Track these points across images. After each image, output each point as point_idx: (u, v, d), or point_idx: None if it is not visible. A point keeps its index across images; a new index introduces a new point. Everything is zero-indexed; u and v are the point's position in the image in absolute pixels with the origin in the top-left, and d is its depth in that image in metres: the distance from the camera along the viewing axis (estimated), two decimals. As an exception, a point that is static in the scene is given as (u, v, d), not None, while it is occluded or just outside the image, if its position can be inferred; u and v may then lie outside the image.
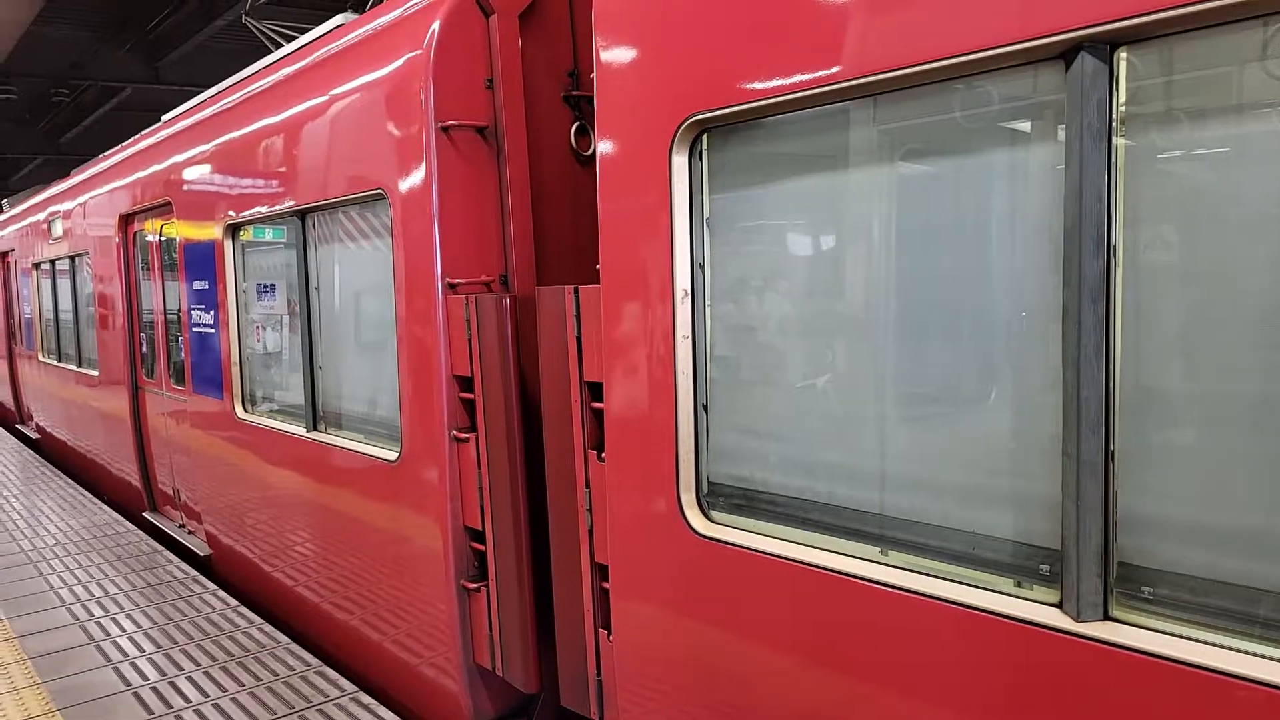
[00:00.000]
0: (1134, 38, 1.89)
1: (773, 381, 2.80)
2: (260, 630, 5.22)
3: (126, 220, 8.11)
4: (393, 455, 4.28)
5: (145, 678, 4.64)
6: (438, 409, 3.94)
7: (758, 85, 2.55)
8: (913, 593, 2.30)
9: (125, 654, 4.95)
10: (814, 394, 2.69)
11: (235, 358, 5.96)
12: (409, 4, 4.25)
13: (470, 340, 3.81)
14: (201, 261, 6.28)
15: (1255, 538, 1.84)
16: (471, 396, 3.87)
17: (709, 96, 2.69)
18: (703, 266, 2.87)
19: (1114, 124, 1.93)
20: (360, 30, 4.63)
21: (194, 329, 6.53)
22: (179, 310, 6.90)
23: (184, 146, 6.63)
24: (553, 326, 3.42)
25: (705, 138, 2.81)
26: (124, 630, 5.30)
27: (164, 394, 7.54)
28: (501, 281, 4.02)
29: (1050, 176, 2.05)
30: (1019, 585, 2.16)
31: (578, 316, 3.28)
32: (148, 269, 7.83)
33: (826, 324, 2.64)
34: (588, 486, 3.32)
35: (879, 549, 2.47)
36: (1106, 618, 1.98)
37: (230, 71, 9.33)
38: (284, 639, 5.07)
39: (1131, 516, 1.98)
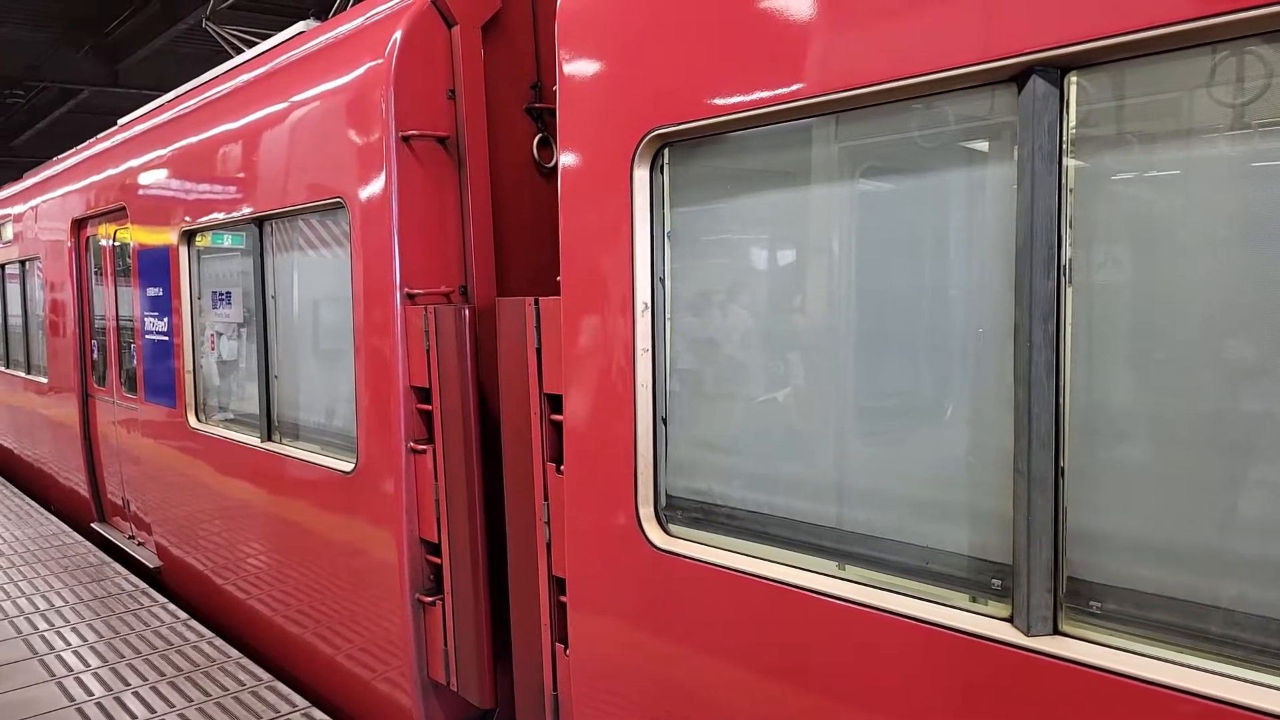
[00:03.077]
0: (1084, 63, 1.93)
1: (732, 395, 2.80)
2: (210, 644, 5.11)
3: (79, 225, 7.95)
4: (349, 466, 4.23)
5: (90, 693, 4.51)
6: (395, 420, 3.90)
7: (718, 101, 2.56)
8: (868, 607, 2.31)
9: (70, 668, 4.82)
10: (773, 408, 2.70)
11: (189, 366, 5.85)
12: (371, 12, 4.22)
13: (428, 351, 3.77)
14: (155, 268, 6.17)
15: (1202, 554, 1.87)
16: (429, 408, 3.83)
17: (670, 111, 2.70)
18: (663, 280, 2.87)
19: (1064, 145, 1.96)
20: (322, 37, 4.59)
21: (147, 336, 6.41)
22: (132, 317, 6.76)
23: (140, 151, 6.52)
24: (512, 338, 3.40)
25: (667, 152, 2.82)
26: (69, 644, 5.17)
27: (115, 402, 7.38)
28: (461, 292, 3.99)
29: (1005, 196, 2.08)
30: (973, 600, 2.18)
31: (538, 328, 3.27)
32: (100, 274, 7.67)
33: (786, 339, 2.65)
34: (546, 499, 3.30)
35: (836, 563, 2.49)
36: (1056, 632, 2.01)
37: (192, 75, 9.18)
38: (234, 653, 4.96)
39: (1081, 532, 2.01)
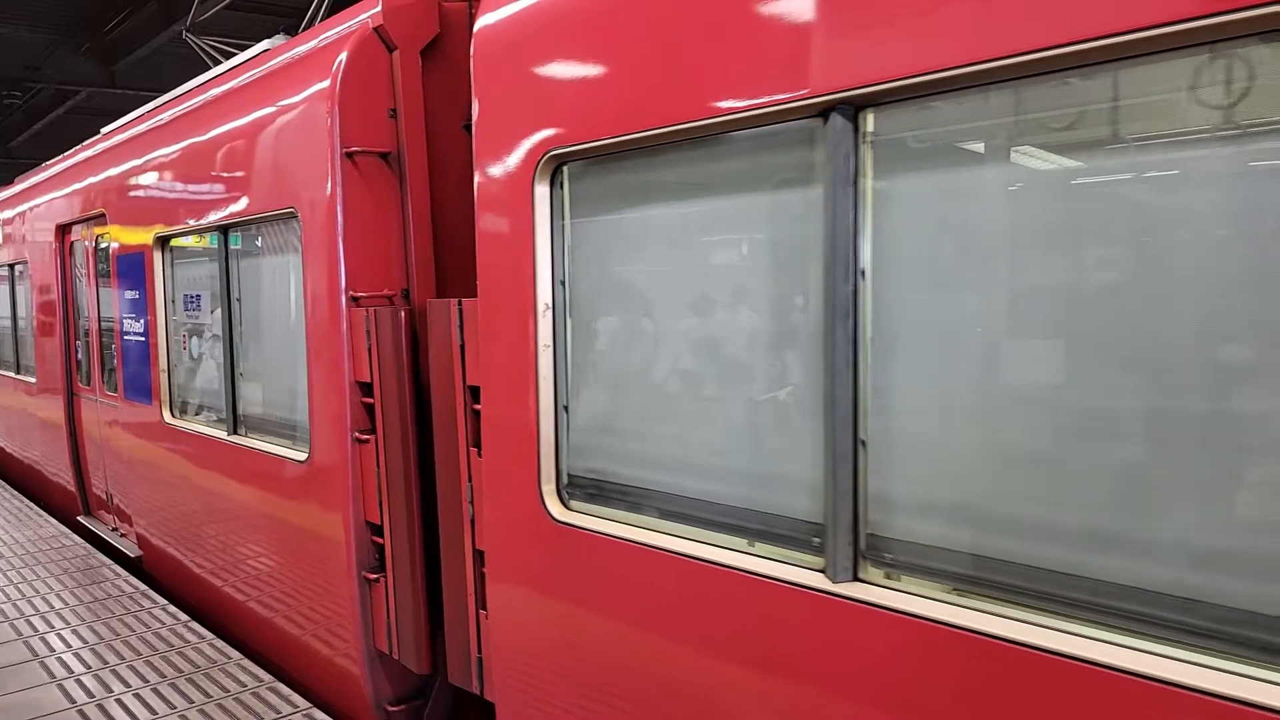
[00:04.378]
0: (874, 102, 2.30)
1: (621, 385, 3.18)
2: (211, 645, 5.18)
3: (64, 230, 8.31)
4: (302, 456, 4.60)
5: (91, 694, 4.53)
6: (341, 412, 4.27)
7: (600, 127, 2.93)
8: (724, 566, 2.68)
9: (70, 670, 4.85)
10: (652, 397, 3.07)
11: (164, 365, 6.22)
12: (321, 37, 4.59)
13: (370, 350, 4.14)
14: (133, 271, 6.53)
15: (972, 512, 2.25)
16: (372, 401, 4.20)
17: (563, 135, 3.07)
18: (563, 283, 3.24)
19: (859, 171, 2.34)
20: (280, 58, 4.96)
21: (125, 337, 6.77)
22: (112, 318, 7.13)
23: (118, 160, 6.88)
24: (440, 336, 3.77)
25: (564, 170, 3.19)
26: (69, 646, 5.20)
27: (98, 400, 7.74)
28: (404, 295, 4.36)
29: (818, 213, 2.46)
30: (802, 556, 2.55)
31: (460, 327, 3.64)
32: (83, 278, 8.04)
33: (661, 335, 3.03)
34: (470, 480, 3.67)
35: (701, 529, 2.86)
36: (856, 579, 2.38)
37: (189, 76, 9.54)
38: (235, 654, 5.02)
39: (876, 496, 2.38)
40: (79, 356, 8.30)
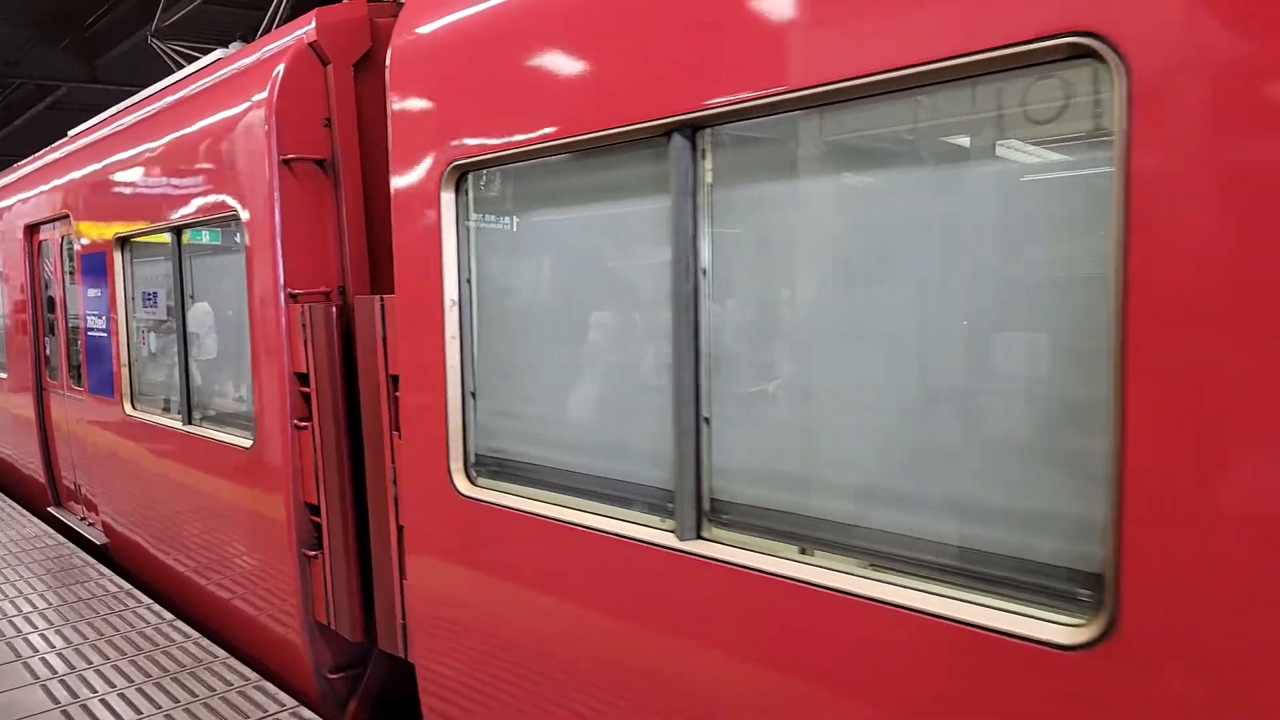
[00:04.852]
0: (709, 123, 2.64)
1: (517, 373, 3.52)
2: (196, 645, 5.16)
3: (32, 230, 8.59)
4: (248, 443, 4.92)
5: (75, 695, 4.50)
6: (281, 402, 4.59)
7: (495, 141, 3.27)
8: (604, 532, 3.02)
9: (54, 671, 4.81)
10: (542, 383, 3.41)
11: (125, 359, 6.52)
12: (262, 51, 4.90)
13: (306, 342, 4.47)
14: (96, 270, 6.83)
15: (793, 477, 2.60)
16: (309, 390, 4.53)
17: (465, 147, 3.40)
18: (469, 281, 3.58)
19: (698, 184, 2.68)
20: (225, 70, 5.27)
21: (89, 333, 7.07)
22: (77, 315, 7.42)
23: (81, 163, 7.17)
24: (366, 329, 4.10)
25: (468, 178, 3.53)
26: (53, 646, 5.15)
27: (65, 394, 8.03)
28: (340, 292, 4.68)
29: (669, 219, 2.80)
30: (660, 520, 2.90)
31: (383, 321, 3.98)
32: (52, 276, 8.32)
33: (551, 328, 3.37)
34: (393, 462, 4.01)
35: (586, 500, 3.20)
36: (699, 538, 2.74)
37: (170, 72, 9.76)
38: (221, 653, 5.01)
39: (716, 466, 2.73)
40: (47, 353, 8.58)
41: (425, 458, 3.71)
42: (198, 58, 8.99)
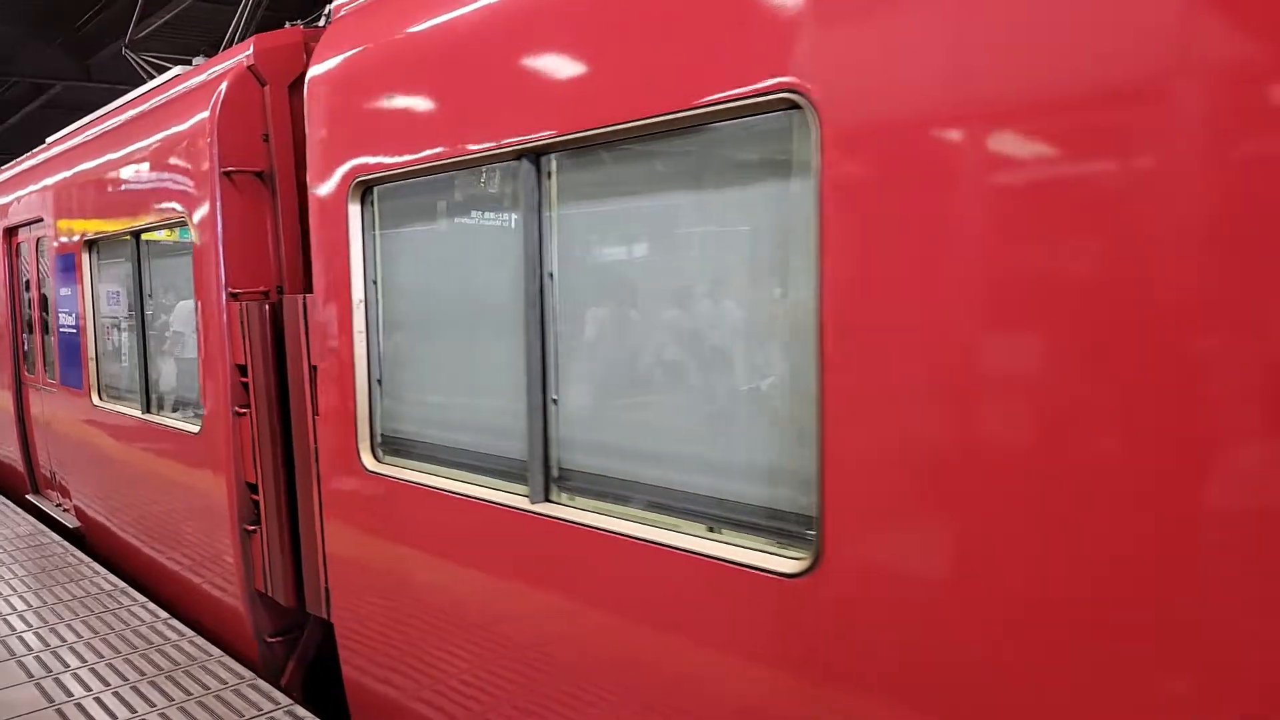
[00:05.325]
0: (550, 150, 3.13)
1: (411, 362, 4.01)
2: (190, 643, 5.19)
3: (10, 233, 9.06)
4: (196, 429, 5.41)
5: (70, 694, 4.50)
6: (224, 391, 5.07)
7: (391, 160, 3.75)
8: (473, 499, 3.51)
9: (49, 669, 4.82)
10: (429, 371, 3.90)
11: (92, 353, 7.01)
12: (208, 72, 5.38)
13: (244, 337, 4.95)
14: (66, 271, 7.31)
15: (618, 449, 3.09)
16: (247, 380, 5.01)
17: (367, 165, 3.89)
18: (374, 282, 4.06)
19: (544, 200, 3.17)
20: (177, 89, 5.75)
21: (61, 329, 7.55)
22: (50, 313, 7.90)
23: (54, 170, 7.64)
24: (292, 325, 4.59)
25: (372, 191, 4.01)
26: (47, 645, 5.16)
27: (40, 387, 8.51)
28: (278, 291, 5.16)
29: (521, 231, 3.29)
30: (518, 486, 3.39)
31: (305, 317, 4.46)
32: (28, 276, 8.79)
33: (435, 323, 3.86)
34: (315, 442, 4.49)
35: (467, 473, 3.69)
36: (547, 500, 3.23)
37: (163, 70, 10.03)
38: (215, 651, 5.06)
39: (562, 439, 3.22)
40: (25, 348, 9.06)
41: (339, 438, 4.20)
42: (168, 68, 9.47)
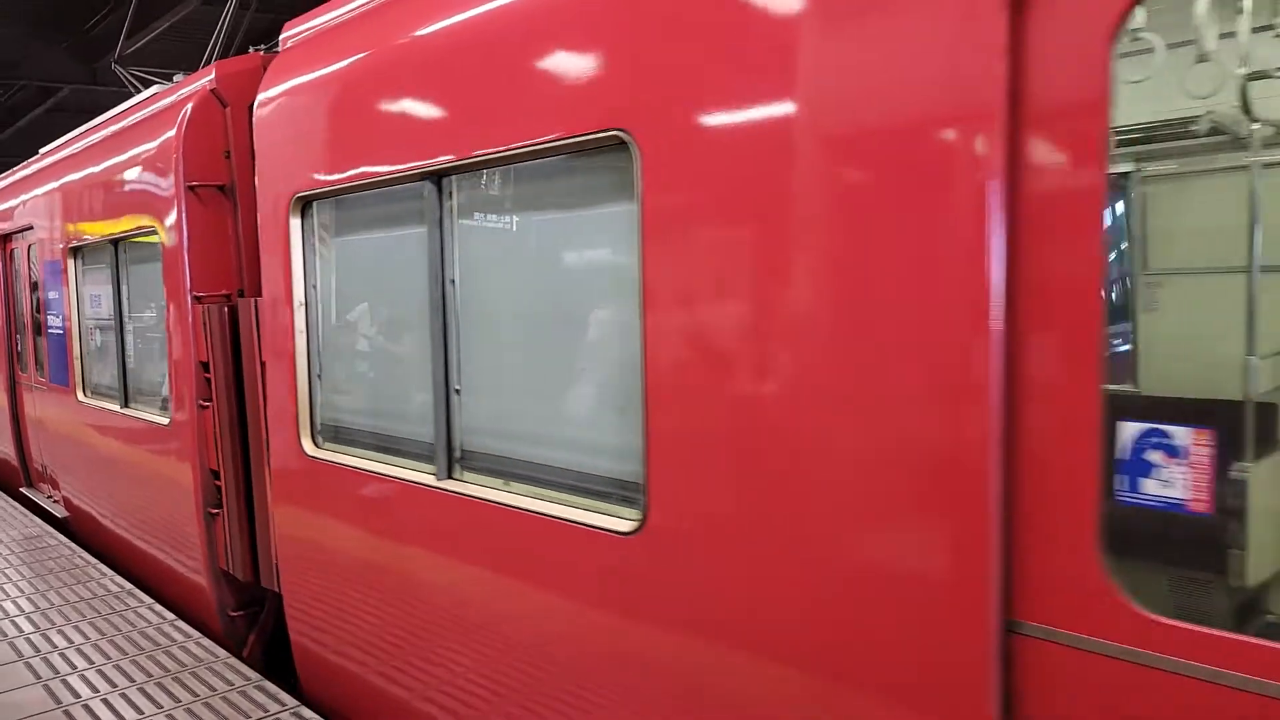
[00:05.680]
0: (450, 173, 3.60)
1: (343, 358, 4.48)
2: (199, 644, 5.23)
3: (4, 240, 9.56)
4: (166, 420, 5.89)
5: (77, 695, 4.55)
6: (190, 385, 5.56)
7: (325, 179, 4.23)
8: (394, 478, 3.98)
9: (56, 670, 4.87)
10: (360, 366, 4.38)
11: (77, 352, 7.50)
12: (176, 94, 5.87)
13: (206, 336, 5.43)
14: (54, 276, 7.80)
15: (509, 432, 3.56)
16: (210, 376, 5.49)
17: (305, 184, 4.36)
18: (314, 287, 4.54)
19: (445, 217, 3.64)
20: (149, 109, 6.23)
21: (50, 330, 8.05)
22: (41, 315, 8.40)
23: (43, 181, 8.14)
24: (247, 325, 5.07)
25: (311, 205, 4.49)
26: (55, 646, 5.19)
27: (33, 385, 9.02)
28: (239, 294, 5.63)
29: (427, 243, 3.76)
30: (427, 465, 3.86)
31: (256, 318, 4.94)
32: (20, 281, 9.30)
33: (362, 323, 4.33)
34: (266, 431, 4.97)
35: (391, 456, 4.16)
36: (450, 478, 3.70)
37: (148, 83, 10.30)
38: (222, 653, 5.10)
39: (464, 424, 3.69)
40: (18, 349, 9.56)
41: (285, 427, 4.67)
42: (155, 82, 9.96)
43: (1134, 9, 1.80)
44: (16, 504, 9.38)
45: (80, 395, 7.46)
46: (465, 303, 3.67)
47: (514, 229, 3.51)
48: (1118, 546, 1.89)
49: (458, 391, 3.71)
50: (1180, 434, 1.84)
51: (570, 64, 2.96)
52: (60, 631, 5.42)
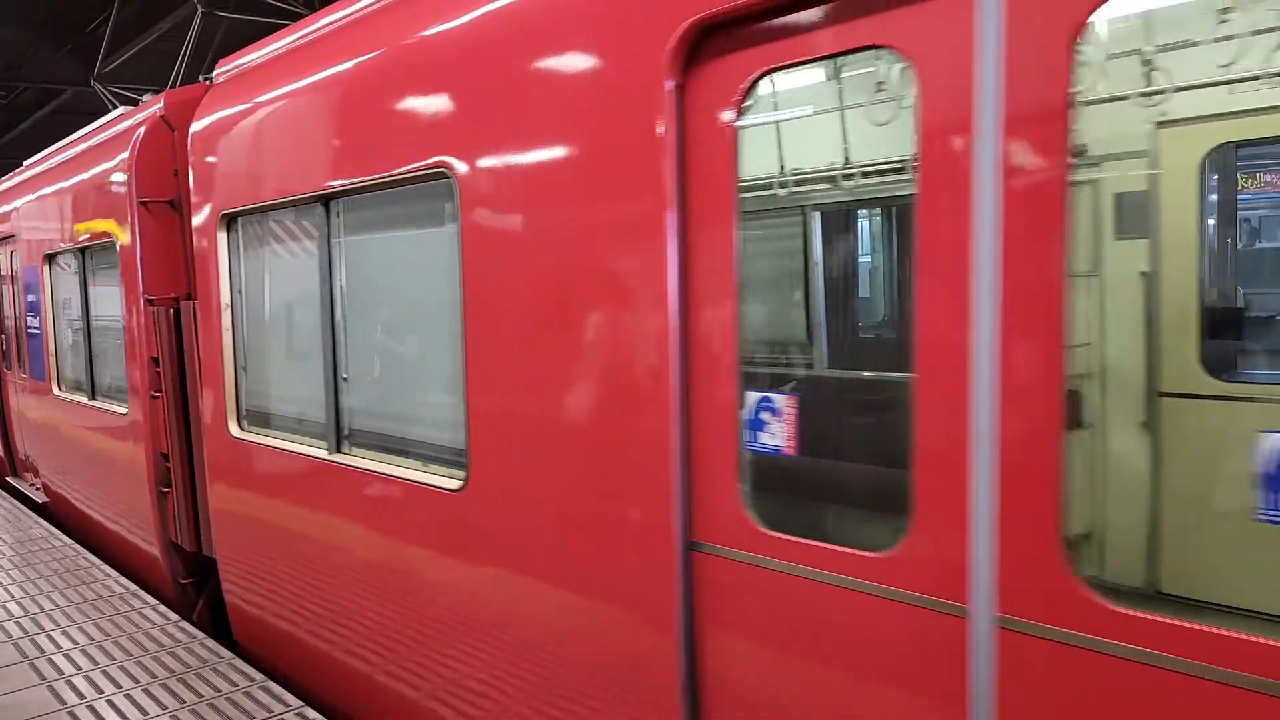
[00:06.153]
0: (334, 196, 4.30)
1: (261, 353, 5.20)
2: (203, 645, 5.23)
3: (-10, 246, 10.30)
4: (124, 410, 6.61)
5: (82, 696, 4.57)
6: (144, 379, 6.27)
7: (243, 198, 4.93)
8: (297, 453, 4.68)
9: (61, 671, 4.88)
10: (271, 360, 5.09)
11: (52, 350, 8.23)
12: (131, 119, 6.59)
13: (156, 335, 6.14)
14: (33, 281, 8.53)
15: (383, 412, 4.27)
16: (160, 370, 6.20)
17: (228, 202, 5.07)
18: (240, 291, 5.25)
19: (332, 233, 4.35)
20: (107, 132, 6.96)
21: (29, 330, 8.78)
22: (22, 316, 9.13)
23: (23, 193, 8.87)
24: (188, 325, 5.78)
25: (236, 221, 5.20)
26: (59, 647, 5.24)
27: (16, 380, 9.75)
28: (188, 297, 6.34)
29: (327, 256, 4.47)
30: (323, 443, 4.56)
31: (195, 318, 5.65)
32: (4, 284, 10.04)
33: (274, 323, 5.04)
34: (202, 417, 5.69)
35: (301, 437, 4.86)
36: (339, 452, 4.41)
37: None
38: (226, 654, 5.13)
39: (346, 407, 4.40)
40: (4, 348, 10.30)
41: (216, 413, 5.39)
42: (130, 100, 10.69)
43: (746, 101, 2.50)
44: (24, 508, 9.51)
45: (55, 389, 8.18)
46: (349, 304, 4.38)
47: (381, 244, 4.22)
48: (751, 482, 2.60)
49: (345, 379, 4.42)
50: (779, 400, 2.53)
51: (411, 113, 3.67)
52: (65, 632, 5.46)
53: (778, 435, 2.53)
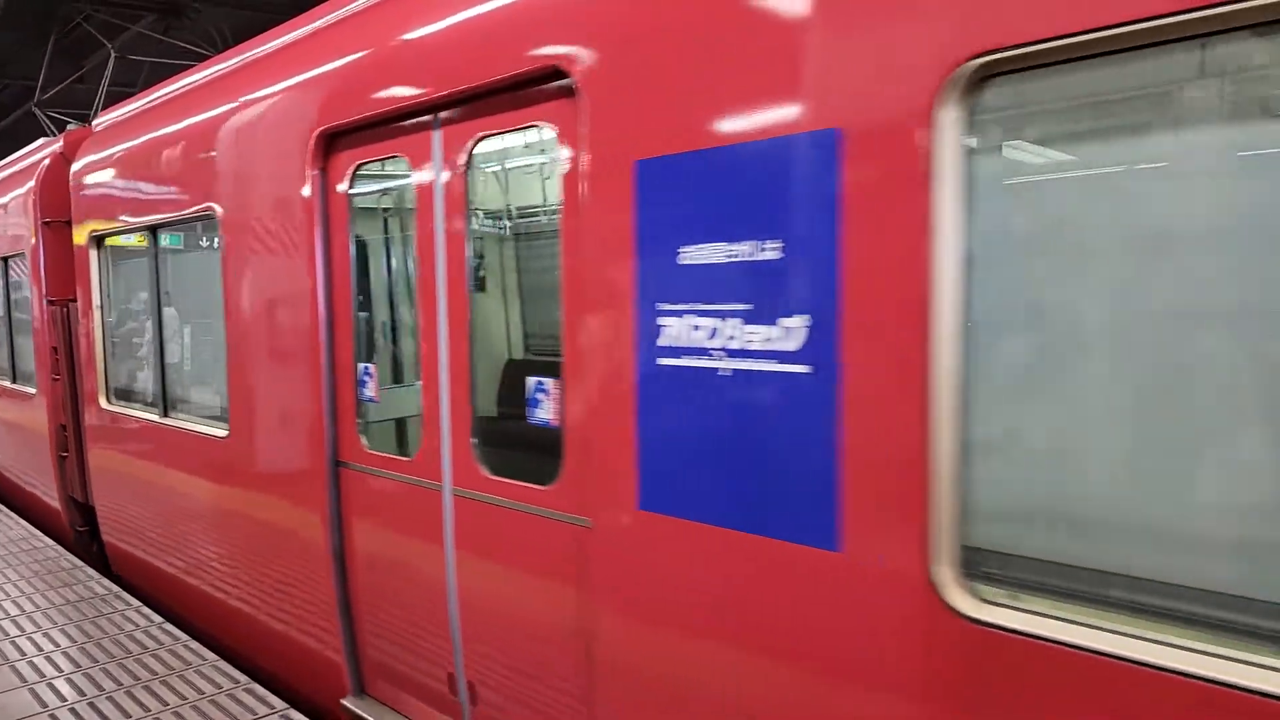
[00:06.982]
0: (159, 226, 5.81)
1: (121, 347, 6.70)
2: (185, 647, 5.20)
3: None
4: (33, 390, 8.10)
5: (63, 699, 4.52)
6: (46, 364, 7.75)
7: (105, 223, 6.42)
8: (138, 417, 6.18)
9: (42, 674, 4.83)
10: (131, 346, 6.59)
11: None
12: (40, 154, 8.08)
13: (55, 329, 7.62)
14: None
15: (193, 387, 5.78)
16: (58, 358, 7.68)
17: (96, 225, 6.55)
18: (107, 295, 6.73)
19: (158, 256, 5.85)
20: (25, 161, 8.46)
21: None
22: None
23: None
24: (76, 320, 7.27)
25: (103, 240, 6.68)
26: (40, 649, 5.18)
27: None
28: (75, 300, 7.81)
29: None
30: (156, 408, 6.06)
31: (79, 316, 7.14)
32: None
33: (129, 317, 6.55)
34: (85, 394, 7.17)
35: (146, 406, 6.35)
36: (167, 415, 5.91)
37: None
38: (211, 656, 5.08)
39: (171, 383, 5.90)
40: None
41: (91, 390, 6.88)
42: (68, 122, 12.12)
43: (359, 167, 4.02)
44: (4, 509, 9.49)
45: (-9, 378, 9.67)
46: (177, 306, 5.89)
47: (190, 262, 5.73)
48: (364, 419, 4.13)
49: (171, 364, 5.92)
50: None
51: (193, 169, 5.18)
52: (46, 635, 5.36)
53: (369, 388, 4.07)
